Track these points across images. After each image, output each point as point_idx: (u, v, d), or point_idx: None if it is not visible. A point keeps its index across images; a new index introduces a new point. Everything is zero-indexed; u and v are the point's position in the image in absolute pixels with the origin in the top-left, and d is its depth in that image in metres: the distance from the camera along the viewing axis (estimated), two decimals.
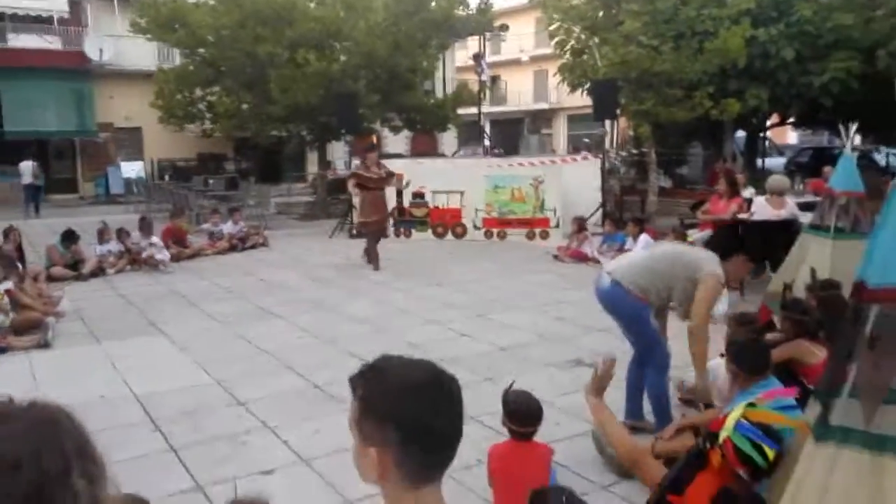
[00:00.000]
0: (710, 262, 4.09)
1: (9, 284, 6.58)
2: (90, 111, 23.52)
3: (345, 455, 4.06)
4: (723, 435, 2.54)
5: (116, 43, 23.39)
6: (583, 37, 15.82)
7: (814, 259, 5.62)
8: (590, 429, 4.26)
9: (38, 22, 22.97)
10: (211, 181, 16.98)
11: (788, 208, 7.68)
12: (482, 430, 4.28)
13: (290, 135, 16.84)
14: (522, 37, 39.47)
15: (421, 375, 1.24)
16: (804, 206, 8.10)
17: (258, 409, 4.66)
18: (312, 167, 27.45)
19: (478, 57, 16.79)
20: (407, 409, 1.20)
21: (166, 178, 20.58)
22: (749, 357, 3.38)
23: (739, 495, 2.46)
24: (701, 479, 2.64)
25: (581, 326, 6.64)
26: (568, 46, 16.26)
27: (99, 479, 1.09)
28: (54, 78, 22.66)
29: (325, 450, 4.04)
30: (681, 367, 5.11)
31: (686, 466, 2.79)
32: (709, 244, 4.65)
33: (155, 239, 10.27)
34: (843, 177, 5.81)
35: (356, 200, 10.83)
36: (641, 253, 5.19)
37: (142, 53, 23.86)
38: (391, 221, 10.49)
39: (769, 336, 4.49)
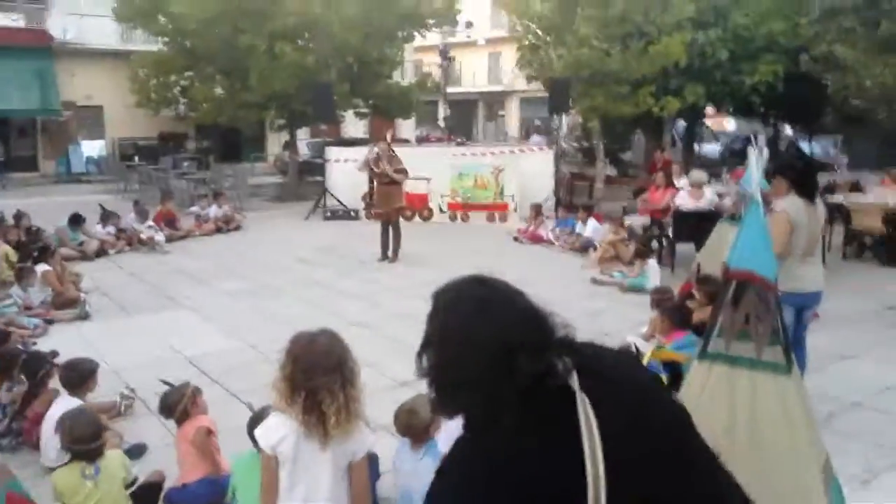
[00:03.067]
0: None
1: (46, 267, 7.52)
2: (54, 90, 23.65)
3: (373, 395, 5.25)
4: None
5: (79, 21, 23.57)
6: (539, 33, 17.09)
7: (730, 243, 7.02)
8: None
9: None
10: (186, 163, 17.70)
11: (706, 199, 9.13)
12: None
13: (262, 120, 17.67)
14: (477, 19, 40.54)
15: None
16: None
17: None
18: (273, 148, 28.16)
19: (444, 53, 17.86)
20: None
21: (136, 158, 21.04)
22: (676, 316, 4.83)
23: None
24: None
25: (540, 298, 7.94)
26: (526, 41, 17.51)
27: (356, 363, 2.33)
28: (18, 56, 22.68)
29: None
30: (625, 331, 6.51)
31: None
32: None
33: (150, 223, 11.18)
34: (749, 179, 7.22)
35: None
36: None
37: (104, 32, 24.10)
38: (388, 213, 10.14)
39: (689, 303, 5.87)
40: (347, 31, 15.18)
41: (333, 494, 2.34)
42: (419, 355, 1.46)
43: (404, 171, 10.17)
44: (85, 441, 3.34)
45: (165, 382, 3.98)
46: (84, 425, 3.44)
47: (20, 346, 5.95)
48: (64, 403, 4.18)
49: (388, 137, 10.61)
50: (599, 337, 6.58)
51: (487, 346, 1.38)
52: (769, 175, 4.80)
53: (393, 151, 10.28)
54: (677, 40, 14.54)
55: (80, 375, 4.27)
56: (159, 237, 10.93)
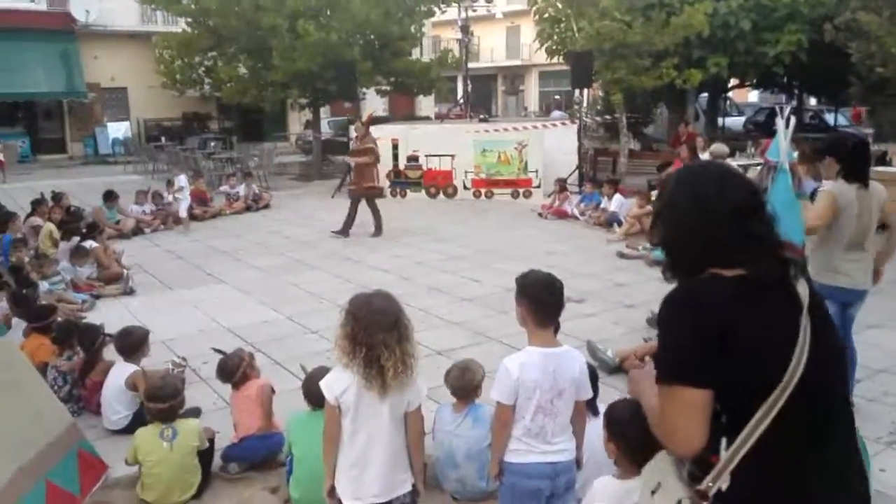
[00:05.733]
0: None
1: (94, 244, 7.82)
2: (78, 72, 24.00)
3: None
4: None
5: (100, 3, 23.83)
6: (559, 6, 17.01)
7: None
8: (581, 344, 5.76)
9: None
10: (212, 143, 17.98)
11: None
12: (501, 347, 5.75)
13: (285, 98, 17.88)
14: None
15: (540, 277, 2.67)
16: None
17: (331, 336, 6.04)
18: (294, 127, 28.40)
19: (465, 29, 17.90)
20: (532, 291, 2.63)
21: (163, 139, 21.37)
22: None
23: None
24: None
25: (567, 271, 8.11)
26: (546, 14, 17.44)
27: (409, 320, 2.52)
28: (41, 39, 23.04)
29: None
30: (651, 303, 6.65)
31: None
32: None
33: (183, 180, 11.38)
34: (776, 149, 7.29)
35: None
36: None
37: (126, 13, 24.38)
38: (357, 191, 10.56)
39: None
40: (369, 7, 15.27)
41: (391, 440, 2.57)
42: (652, 228, 1.79)
43: (367, 152, 10.31)
44: (161, 399, 3.57)
45: (217, 350, 4.22)
46: (161, 385, 3.69)
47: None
48: (121, 370, 4.44)
49: (365, 118, 10.74)
50: (626, 309, 6.77)
51: (722, 210, 1.66)
52: (818, 154, 4.55)
53: (368, 132, 10.46)
54: (699, 10, 14.42)
55: (134, 342, 4.53)
56: (184, 207, 11.12)
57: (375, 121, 12.13)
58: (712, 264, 1.67)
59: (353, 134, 13.17)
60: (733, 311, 1.58)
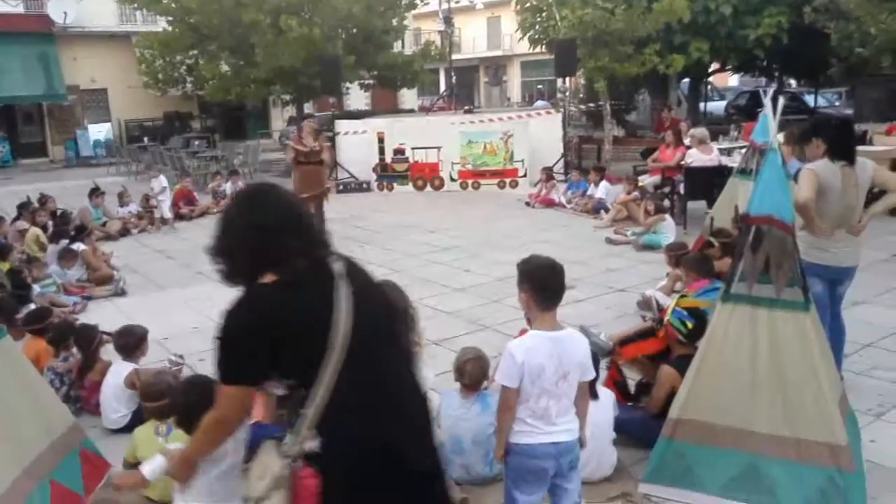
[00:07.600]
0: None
1: (83, 246, 7.77)
2: (57, 74, 23.75)
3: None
4: (666, 319, 4.11)
5: (78, 4, 23.57)
6: None
7: (741, 198, 7.20)
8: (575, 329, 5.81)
9: None
10: (196, 142, 17.88)
11: (714, 154, 9.43)
12: (496, 335, 5.81)
13: (269, 95, 17.81)
14: None
15: (542, 262, 2.71)
16: None
17: None
18: (277, 123, 28.29)
19: (448, 20, 17.88)
20: (535, 275, 2.67)
21: (145, 140, 21.20)
22: (701, 267, 4.99)
23: (691, 354, 4.01)
24: (646, 342, 4.26)
25: (557, 258, 8.13)
26: (528, 4, 17.49)
27: (416, 310, 2.56)
28: (19, 42, 22.82)
29: None
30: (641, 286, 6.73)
31: (637, 336, 4.41)
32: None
33: (163, 180, 11.25)
34: (762, 131, 7.36)
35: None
36: None
37: (104, 14, 24.16)
38: (326, 198, 9.69)
39: (709, 251, 6.08)
40: (351, 1, 15.22)
41: None
42: (213, 244, 2.05)
43: (331, 151, 10.09)
44: (155, 397, 3.60)
45: None
46: (155, 382, 3.72)
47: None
48: (119, 369, 4.45)
49: (317, 124, 10.50)
50: (616, 293, 6.84)
51: (257, 228, 1.97)
52: (804, 135, 4.57)
53: (321, 132, 10.16)
54: None
55: (133, 341, 4.53)
56: (166, 209, 11.05)
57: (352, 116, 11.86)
58: (255, 273, 1.97)
59: (293, 132, 11.90)
60: (274, 310, 1.90)
